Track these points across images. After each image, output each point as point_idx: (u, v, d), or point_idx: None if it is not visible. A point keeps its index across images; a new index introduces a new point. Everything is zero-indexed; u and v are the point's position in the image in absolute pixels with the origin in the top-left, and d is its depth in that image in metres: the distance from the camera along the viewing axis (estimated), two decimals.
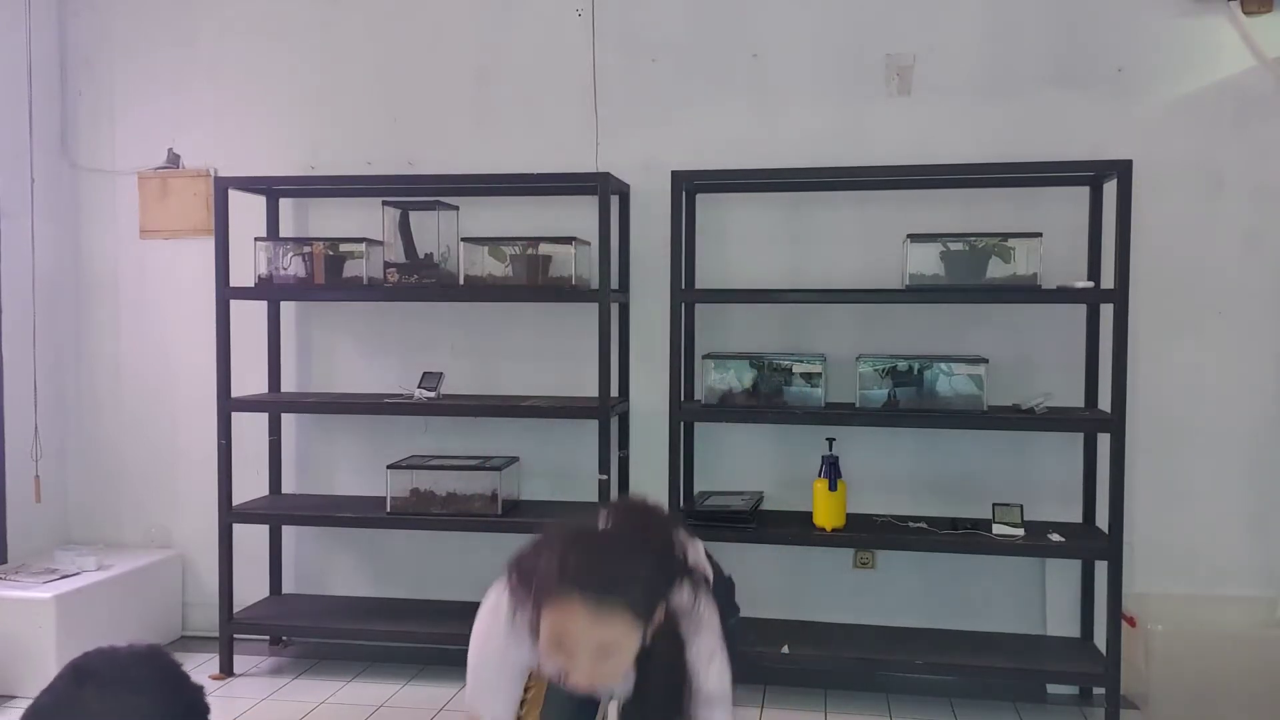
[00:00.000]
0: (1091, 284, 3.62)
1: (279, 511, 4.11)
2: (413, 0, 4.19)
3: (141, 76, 4.40)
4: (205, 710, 1.65)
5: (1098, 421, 3.56)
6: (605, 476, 3.74)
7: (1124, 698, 3.51)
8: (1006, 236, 3.52)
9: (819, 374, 3.66)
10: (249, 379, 4.17)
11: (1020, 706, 3.67)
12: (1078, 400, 3.76)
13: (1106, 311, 3.53)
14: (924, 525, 3.68)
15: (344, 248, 3.94)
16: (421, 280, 3.85)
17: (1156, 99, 3.75)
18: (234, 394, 3.98)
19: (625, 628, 1.88)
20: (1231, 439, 3.75)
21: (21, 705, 3.65)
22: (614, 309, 3.92)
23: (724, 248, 3.98)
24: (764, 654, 3.63)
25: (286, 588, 4.32)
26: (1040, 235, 3.49)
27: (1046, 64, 3.81)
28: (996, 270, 3.50)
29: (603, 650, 1.89)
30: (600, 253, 3.71)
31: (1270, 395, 3.74)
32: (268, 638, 4.21)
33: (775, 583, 3.93)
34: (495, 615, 2.08)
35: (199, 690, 1.65)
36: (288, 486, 4.32)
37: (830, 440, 3.66)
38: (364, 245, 3.92)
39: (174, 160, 4.38)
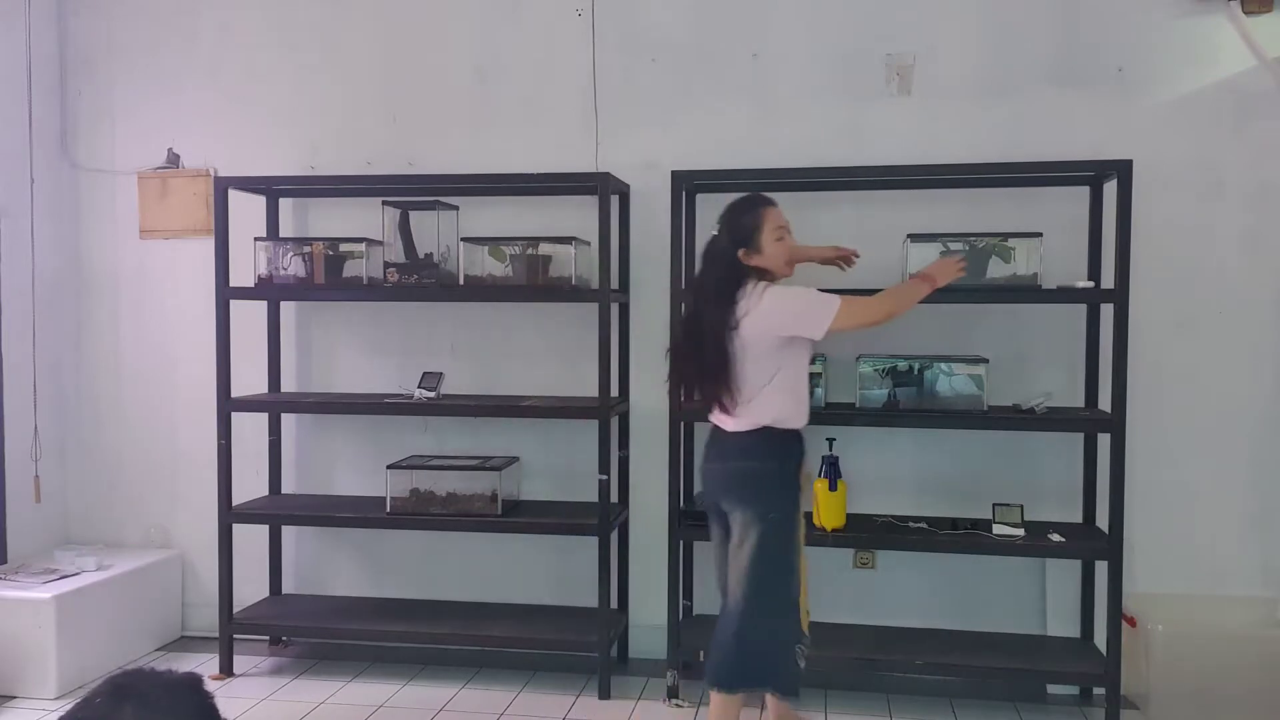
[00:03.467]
0: (1091, 284, 3.62)
1: (279, 511, 4.11)
2: (413, 0, 4.19)
3: (141, 76, 4.40)
4: None
5: (1098, 421, 3.56)
6: (605, 476, 3.75)
7: (1124, 698, 3.51)
8: (1006, 236, 3.52)
9: (819, 374, 3.65)
10: (249, 379, 4.17)
11: (1020, 706, 3.67)
12: (1078, 400, 3.76)
13: (1106, 311, 3.53)
14: (924, 525, 3.68)
15: (344, 248, 3.95)
16: (421, 280, 3.85)
17: (1156, 99, 3.75)
18: (234, 394, 3.98)
19: None
20: (1231, 439, 3.75)
21: (21, 705, 3.67)
22: (614, 309, 3.92)
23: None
24: None
25: (286, 588, 4.32)
26: (1040, 235, 3.49)
27: (1046, 64, 3.81)
28: (997, 270, 3.50)
29: None
30: (600, 253, 3.71)
31: (1270, 395, 3.74)
32: (268, 638, 4.21)
33: None
34: None
35: None
36: (287, 486, 4.32)
37: (830, 440, 3.66)
38: (364, 245, 3.92)
39: (174, 160, 4.38)
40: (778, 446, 2.97)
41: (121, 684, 1.55)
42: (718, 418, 3.05)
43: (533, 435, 4.13)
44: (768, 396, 2.94)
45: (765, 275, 2.99)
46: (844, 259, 3.41)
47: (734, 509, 2.98)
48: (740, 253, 2.98)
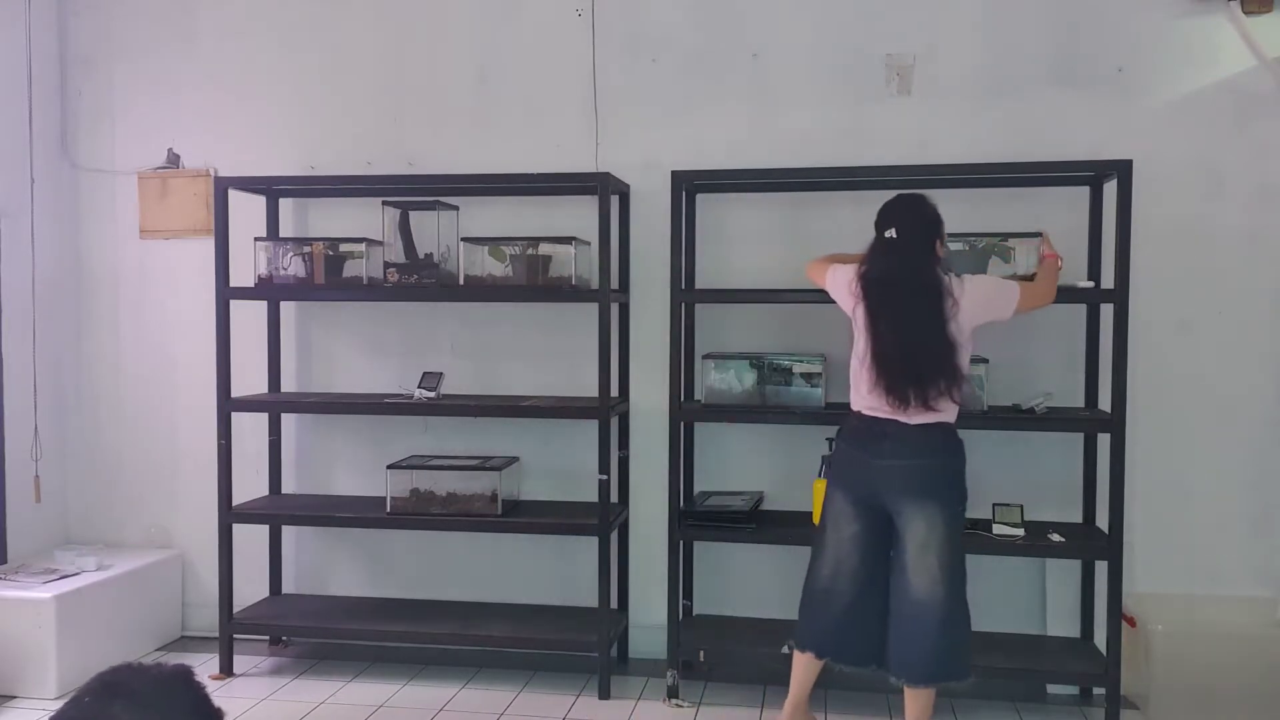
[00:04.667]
0: (1091, 284, 3.62)
1: (279, 511, 4.11)
2: (413, 0, 4.19)
3: (141, 76, 4.40)
4: None
5: (1098, 421, 3.56)
6: (605, 476, 3.75)
7: (1124, 698, 3.51)
8: (1006, 236, 3.52)
9: (819, 374, 3.66)
10: (249, 379, 4.17)
11: (1020, 706, 3.67)
12: (1078, 400, 3.76)
13: (1106, 311, 3.53)
14: None
15: (344, 248, 3.94)
16: (421, 280, 3.85)
17: (1156, 99, 3.75)
18: (234, 394, 3.98)
19: None
20: (1231, 439, 3.75)
21: (21, 705, 3.67)
22: (614, 309, 3.92)
23: (724, 248, 3.98)
24: (764, 654, 3.64)
25: (286, 588, 4.32)
26: (1041, 235, 3.49)
27: (1046, 64, 3.81)
28: (997, 270, 3.50)
29: None
30: (600, 253, 3.71)
31: (1270, 395, 3.74)
32: (268, 638, 4.20)
33: (775, 583, 3.93)
34: None
35: (222, 713, 1.63)
36: (288, 486, 4.32)
37: (830, 440, 3.65)
38: (364, 245, 3.92)
39: (174, 160, 4.38)
40: (957, 442, 3.09)
41: (110, 681, 1.54)
42: (899, 413, 3.03)
43: (533, 435, 4.13)
44: (961, 389, 3.05)
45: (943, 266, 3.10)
46: None
47: (921, 504, 3.01)
48: (935, 242, 3.07)
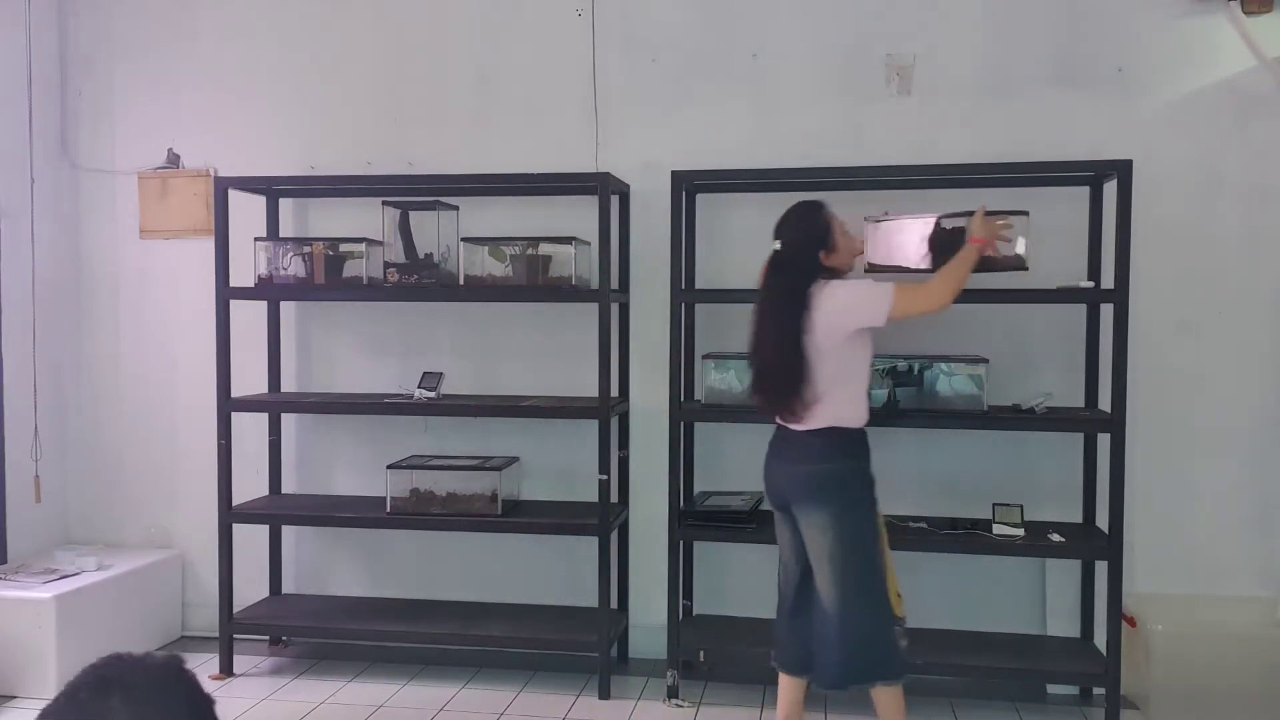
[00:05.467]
0: (1091, 284, 3.62)
1: (279, 511, 4.11)
2: (413, 1, 4.19)
3: (141, 76, 4.40)
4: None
5: (1098, 421, 3.56)
6: (605, 476, 3.75)
7: (1124, 698, 3.51)
8: (994, 214, 3.24)
9: None
10: (249, 379, 4.17)
11: (1020, 706, 3.67)
12: (1078, 400, 3.76)
13: (1106, 311, 3.53)
14: (924, 525, 3.68)
15: (344, 248, 3.94)
16: (421, 280, 3.85)
17: (1156, 99, 3.75)
18: (234, 394, 3.98)
19: None
20: (1231, 439, 3.75)
21: (21, 705, 3.67)
22: (614, 309, 3.92)
23: (724, 248, 3.98)
24: (764, 654, 3.63)
25: (286, 588, 4.32)
26: (1027, 213, 3.39)
27: (1046, 64, 3.81)
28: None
29: None
30: (600, 253, 3.71)
31: (1270, 395, 3.74)
32: (268, 638, 4.20)
33: (775, 583, 3.92)
34: None
35: (212, 700, 1.64)
36: (288, 486, 4.32)
37: None
38: (364, 245, 3.92)
39: (174, 160, 4.38)
40: (849, 445, 3.02)
41: (106, 676, 1.52)
42: (786, 420, 3.06)
43: (533, 435, 4.13)
44: (835, 397, 2.97)
45: (835, 274, 3.04)
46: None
47: (809, 511, 3.00)
48: (820, 254, 3.02)
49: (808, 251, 3.02)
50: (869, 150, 3.85)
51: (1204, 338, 3.75)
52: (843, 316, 2.96)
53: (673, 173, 3.68)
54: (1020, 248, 3.40)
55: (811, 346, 2.95)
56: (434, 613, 4.06)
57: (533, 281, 3.79)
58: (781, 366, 2.99)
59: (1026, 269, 3.42)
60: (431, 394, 3.87)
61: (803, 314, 2.96)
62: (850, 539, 2.96)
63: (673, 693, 3.67)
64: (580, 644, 3.78)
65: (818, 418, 2.98)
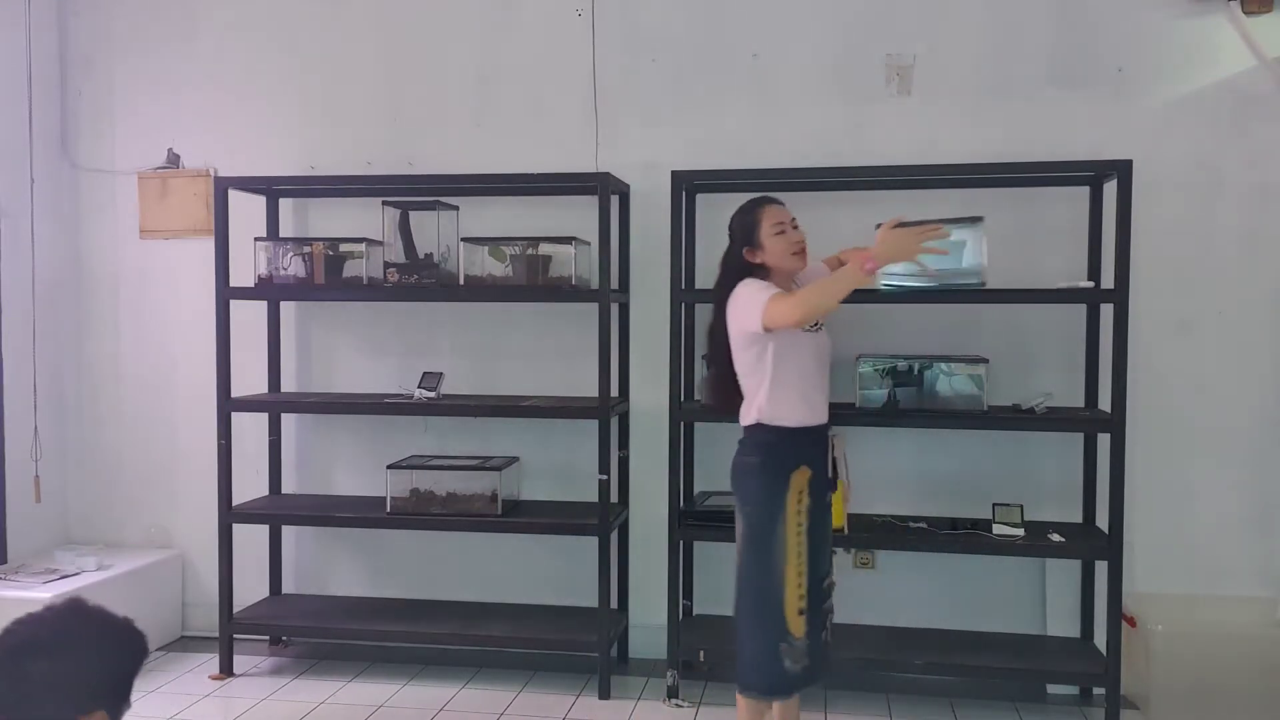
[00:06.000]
0: (1091, 284, 3.62)
1: (279, 511, 4.11)
2: (413, 1, 4.19)
3: (141, 76, 4.40)
4: (142, 636, 1.67)
5: (1098, 421, 3.56)
6: (605, 476, 3.75)
7: (1124, 698, 3.51)
8: (940, 224, 3.02)
9: None
10: (249, 379, 4.17)
11: (1020, 706, 3.67)
12: (1078, 400, 3.76)
13: (1106, 311, 3.53)
14: (924, 525, 3.68)
15: (344, 248, 3.94)
16: (421, 280, 3.85)
17: (1156, 99, 3.75)
18: (234, 394, 3.98)
19: None
20: (1231, 439, 3.75)
21: None
22: (614, 309, 3.92)
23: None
24: None
25: (286, 588, 4.32)
26: (981, 219, 3.30)
27: (1046, 64, 3.81)
28: (945, 261, 3.37)
29: None
30: (600, 253, 3.71)
31: (1270, 395, 3.74)
32: (268, 638, 4.21)
33: None
34: None
35: (129, 621, 1.65)
36: (288, 486, 4.32)
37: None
38: (364, 245, 3.92)
39: (174, 160, 4.38)
40: (770, 444, 2.92)
41: (12, 646, 1.55)
42: (731, 416, 3.08)
43: (533, 435, 4.13)
44: (760, 395, 2.93)
45: (769, 273, 2.99)
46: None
47: (736, 505, 3.00)
48: (745, 251, 2.99)
49: (734, 249, 3.03)
50: (869, 150, 3.86)
51: (1204, 338, 3.75)
52: (736, 319, 2.93)
53: (673, 173, 3.68)
54: (976, 257, 3.31)
55: (731, 344, 2.97)
56: (434, 613, 4.06)
57: (533, 281, 3.79)
58: (709, 363, 3.09)
59: (984, 283, 3.36)
60: (431, 394, 3.87)
61: (720, 313, 3.00)
62: (751, 539, 2.90)
63: (673, 693, 3.67)
64: (580, 644, 3.78)
65: (745, 414, 2.98)
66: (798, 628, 2.86)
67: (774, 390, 2.91)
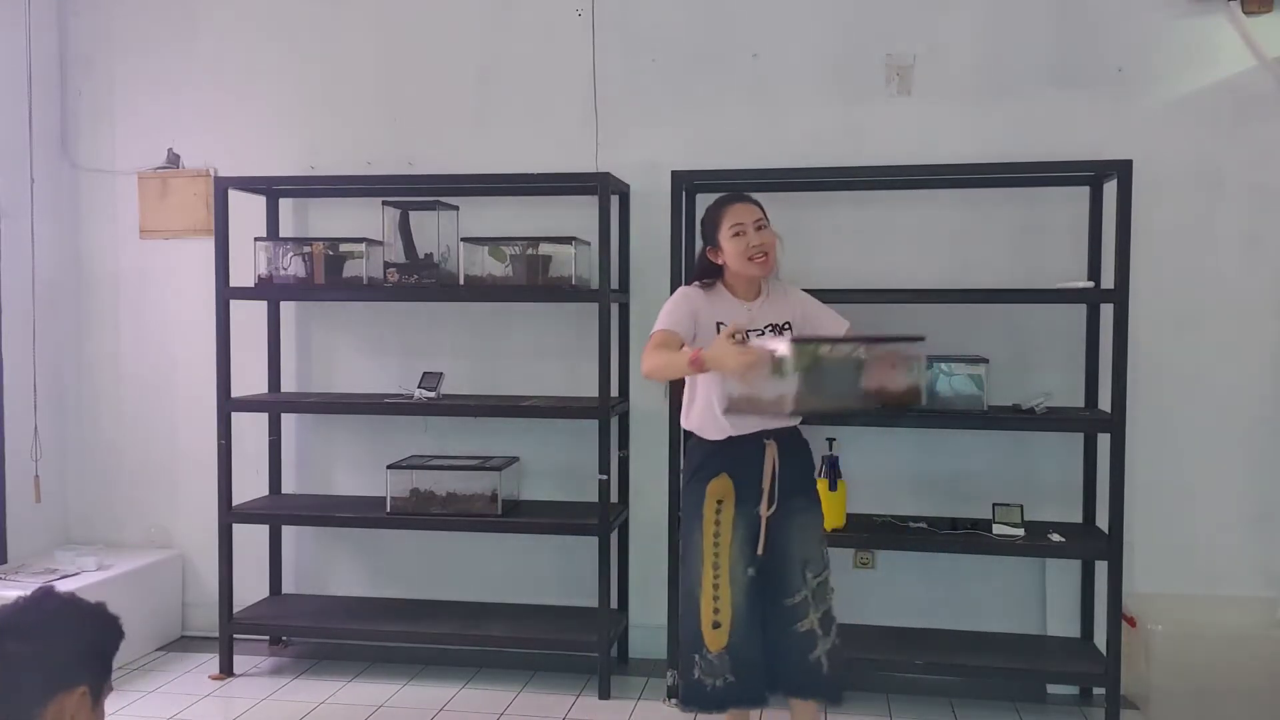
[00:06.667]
0: (1091, 284, 3.62)
1: (279, 511, 4.11)
2: (413, 0, 4.19)
3: (141, 76, 4.40)
4: (115, 617, 1.73)
5: (1098, 421, 3.56)
6: (605, 476, 3.75)
7: (1124, 698, 3.52)
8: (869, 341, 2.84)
9: None
10: (249, 379, 4.17)
11: (1020, 706, 3.67)
12: (1078, 400, 3.76)
13: (1106, 311, 3.53)
14: (924, 525, 3.68)
15: (344, 248, 3.95)
16: (421, 280, 3.85)
17: (1156, 99, 3.75)
18: (234, 394, 3.98)
19: None
20: (1231, 439, 3.75)
21: None
22: (614, 309, 3.92)
23: None
24: None
25: (286, 588, 4.32)
26: (922, 338, 2.93)
27: (1046, 64, 3.81)
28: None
29: None
30: (600, 253, 3.71)
31: (1270, 395, 3.74)
32: (268, 638, 4.20)
33: None
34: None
35: (101, 605, 1.71)
36: (288, 486, 4.32)
37: (830, 440, 3.66)
38: (364, 245, 3.92)
39: (174, 160, 4.38)
40: (694, 456, 2.89)
41: None
42: None
43: (533, 435, 4.13)
44: (690, 407, 2.90)
45: (727, 273, 2.88)
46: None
47: None
48: (707, 250, 2.93)
49: (703, 249, 2.95)
50: (869, 150, 3.85)
51: (1204, 338, 3.75)
52: None
53: (673, 173, 3.68)
54: (905, 379, 3.01)
55: None
56: (434, 613, 4.06)
57: (533, 281, 3.79)
58: None
59: (920, 402, 3.32)
60: (431, 394, 3.87)
61: None
62: (682, 546, 2.90)
63: (673, 693, 3.67)
64: (580, 644, 3.78)
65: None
66: (712, 641, 2.75)
67: (697, 404, 2.88)
